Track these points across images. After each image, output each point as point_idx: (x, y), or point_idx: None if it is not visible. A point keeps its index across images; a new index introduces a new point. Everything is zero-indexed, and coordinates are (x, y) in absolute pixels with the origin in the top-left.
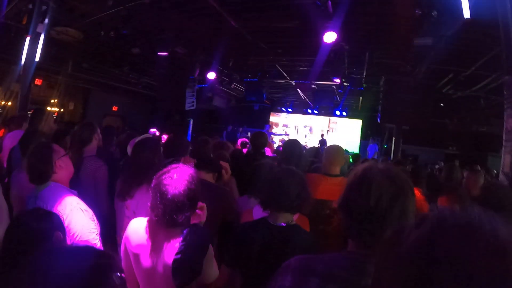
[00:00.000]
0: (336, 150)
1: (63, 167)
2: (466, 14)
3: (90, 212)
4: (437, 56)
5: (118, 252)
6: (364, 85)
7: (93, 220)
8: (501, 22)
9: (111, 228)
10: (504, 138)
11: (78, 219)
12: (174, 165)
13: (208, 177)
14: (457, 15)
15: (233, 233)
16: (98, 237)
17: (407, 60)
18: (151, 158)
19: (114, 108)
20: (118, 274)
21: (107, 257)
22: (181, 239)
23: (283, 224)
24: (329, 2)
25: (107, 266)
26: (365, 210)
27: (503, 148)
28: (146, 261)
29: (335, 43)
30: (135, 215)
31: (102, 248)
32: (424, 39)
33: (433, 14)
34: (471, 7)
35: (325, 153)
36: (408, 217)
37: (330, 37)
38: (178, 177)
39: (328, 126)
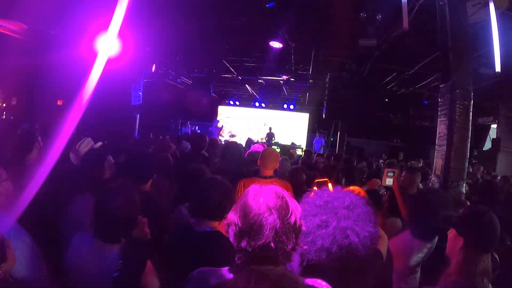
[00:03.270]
0: (269, 153)
1: (3, 193)
2: (405, 25)
3: (28, 236)
4: (382, 56)
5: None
6: (310, 81)
7: (32, 245)
8: (439, 33)
9: (55, 235)
10: (436, 143)
11: (18, 251)
12: (117, 183)
13: (146, 187)
14: (400, 20)
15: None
16: (37, 263)
17: (352, 58)
18: (98, 169)
19: (59, 102)
20: None
21: None
22: (119, 256)
23: (205, 230)
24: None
25: None
26: (240, 233)
27: (435, 153)
28: (88, 277)
29: (281, 41)
30: (78, 222)
31: (41, 270)
32: (369, 40)
33: (377, 17)
34: (413, 14)
35: (260, 157)
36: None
37: (276, 44)
38: (118, 196)
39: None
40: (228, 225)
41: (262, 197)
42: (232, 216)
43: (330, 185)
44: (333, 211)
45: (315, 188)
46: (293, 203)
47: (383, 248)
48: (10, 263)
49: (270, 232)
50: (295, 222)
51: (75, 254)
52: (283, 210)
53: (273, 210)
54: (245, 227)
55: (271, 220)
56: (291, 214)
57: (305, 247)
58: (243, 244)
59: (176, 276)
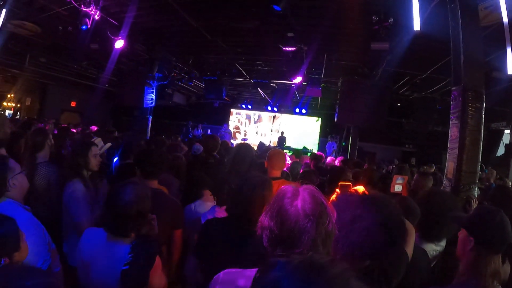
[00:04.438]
0: (276, 154)
1: (17, 186)
2: (417, 27)
3: (41, 228)
4: (394, 60)
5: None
6: (323, 85)
7: (45, 237)
8: (451, 36)
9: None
10: (448, 146)
11: (30, 241)
12: (129, 180)
13: (155, 183)
14: (412, 24)
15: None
16: (48, 255)
17: (364, 62)
18: (82, 158)
19: (73, 104)
20: None
21: (45, 276)
22: (129, 250)
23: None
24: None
25: (46, 285)
26: (277, 239)
27: (447, 156)
28: (97, 270)
29: (294, 45)
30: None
31: (52, 262)
32: (381, 44)
33: (389, 21)
34: (425, 18)
35: (267, 158)
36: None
37: (288, 48)
38: (130, 191)
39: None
40: (262, 229)
41: (300, 202)
42: (267, 221)
43: (361, 187)
44: (366, 207)
45: (337, 190)
46: (329, 208)
47: (410, 245)
48: (23, 253)
49: (308, 241)
50: (332, 229)
51: (85, 247)
52: (322, 218)
53: (311, 217)
54: (282, 235)
55: (309, 228)
56: (329, 221)
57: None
58: (279, 251)
59: (215, 266)
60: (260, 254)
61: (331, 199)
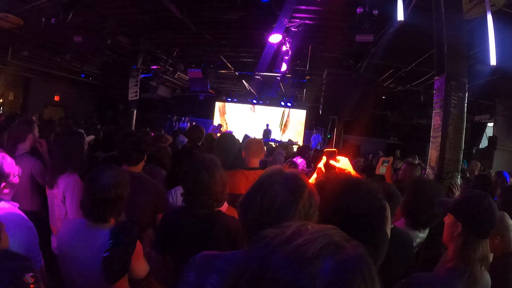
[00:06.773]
0: (252, 143)
1: (9, 190)
2: (400, 16)
3: (33, 229)
4: (379, 52)
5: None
6: (307, 77)
7: (34, 235)
8: (435, 27)
9: (43, 223)
10: (431, 134)
11: (22, 239)
12: (107, 166)
13: (137, 169)
14: (396, 16)
15: (160, 220)
16: (39, 256)
17: (349, 55)
18: (73, 148)
19: (56, 98)
20: (31, 274)
21: (19, 260)
22: (109, 236)
23: (205, 211)
24: None
25: (18, 268)
26: (257, 215)
27: (430, 144)
28: (78, 258)
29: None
30: (64, 203)
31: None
32: (366, 36)
33: (374, 12)
34: (410, 10)
35: (244, 147)
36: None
37: (275, 38)
38: (108, 176)
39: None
40: (244, 208)
41: (282, 184)
42: (250, 201)
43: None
44: (350, 192)
45: (324, 157)
46: (313, 191)
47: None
48: (2, 243)
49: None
50: (313, 212)
51: (65, 236)
52: (303, 200)
53: (292, 199)
54: (263, 215)
55: (289, 209)
56: (310, 205)
57: None
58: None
59: (182, 256)
60: (227, 234)
61: (318, 166)
